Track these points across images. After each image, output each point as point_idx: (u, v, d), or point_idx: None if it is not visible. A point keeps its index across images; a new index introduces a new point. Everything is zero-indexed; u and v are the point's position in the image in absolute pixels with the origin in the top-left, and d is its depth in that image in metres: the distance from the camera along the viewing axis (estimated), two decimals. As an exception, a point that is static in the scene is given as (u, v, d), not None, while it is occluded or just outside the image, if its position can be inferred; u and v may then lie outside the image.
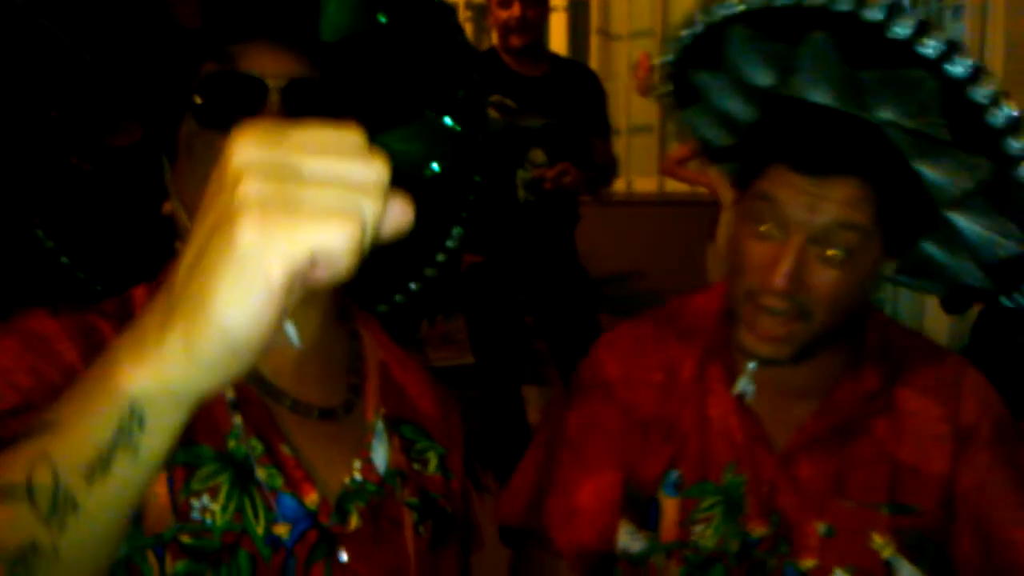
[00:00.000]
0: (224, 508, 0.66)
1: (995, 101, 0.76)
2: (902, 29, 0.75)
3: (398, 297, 0.91)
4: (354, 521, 0.72)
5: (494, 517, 1.12)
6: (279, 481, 0.69)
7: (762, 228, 0.87)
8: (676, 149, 4.06)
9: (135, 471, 0.42)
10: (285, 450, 0.70)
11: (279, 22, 0.72)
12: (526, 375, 2.96)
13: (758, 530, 0.94)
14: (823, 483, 0.94)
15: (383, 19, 0.71)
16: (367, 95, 0.72)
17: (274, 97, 0.70)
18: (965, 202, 0.86)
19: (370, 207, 0.38)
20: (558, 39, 4.64)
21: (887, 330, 1.01)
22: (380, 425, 0.78)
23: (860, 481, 0.94)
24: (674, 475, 0.97)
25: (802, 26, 0.81)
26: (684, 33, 0.92)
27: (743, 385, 0.96)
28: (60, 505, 0.42)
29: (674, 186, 4.32)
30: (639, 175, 4.79)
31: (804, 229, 0.84)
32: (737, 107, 0.96)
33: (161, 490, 0.65)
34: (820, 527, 0.93)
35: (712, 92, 0.97)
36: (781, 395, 0.97)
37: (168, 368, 0.39)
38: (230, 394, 0.70)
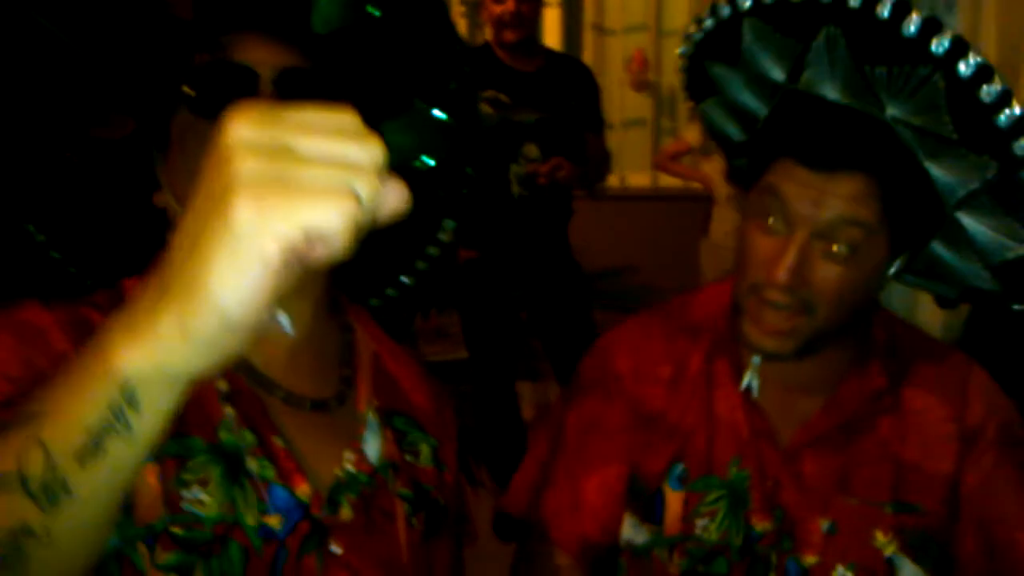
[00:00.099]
0: (215, 499, 0.66)
1: (1002, 101, 0.76)
2: (911, 27, 0.75)
3: (390, 291, 0.91)
4: (346, 512, 0.72)
5: (488, 511, 1.12)
6: (271, 472, 0.69)
7: (768, 222, 0.87)
8: (669, 144, 4.07)
9: (128, 453, 0.42)
10: (277, 441, 0.70)
11: (271, 13, 0.72)
12: (520, 370, 2.96)
13: (761, 525, 0.94)
14: (827, 480, 0.94)
15: (374, 12, 0.71)
16: (359, 87, 0.72)
17: (266, 86, 0.70)
18: (972, 202, 0.86)
19: (366, 187, 0.38)
20: (552, 34, 4.63)
21: (894, 328, 1.01)
22: (372, 417, 0.78)
23: (864, 479, 0.94)
24: (679, 468, 0.97)
25: (814, 21, 0.81)
26: (700, 25, 0.92)
27: (748, 380, 0.96)
28: (52, 488, 0.42)
29: (667, 181, 4.33)
30: (632, 170, 4.80)
31: (808, 224, 0.84)
32: (751, 101, 0.96)
33: (152, 481, 0.65)
34: (823, 524, 0.93)
35: (728, 85, 0.97)
36: (787, 391, 0.97)
37: (162, 348, 0.39)
38: (222, 385, 0.70)
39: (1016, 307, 0.95)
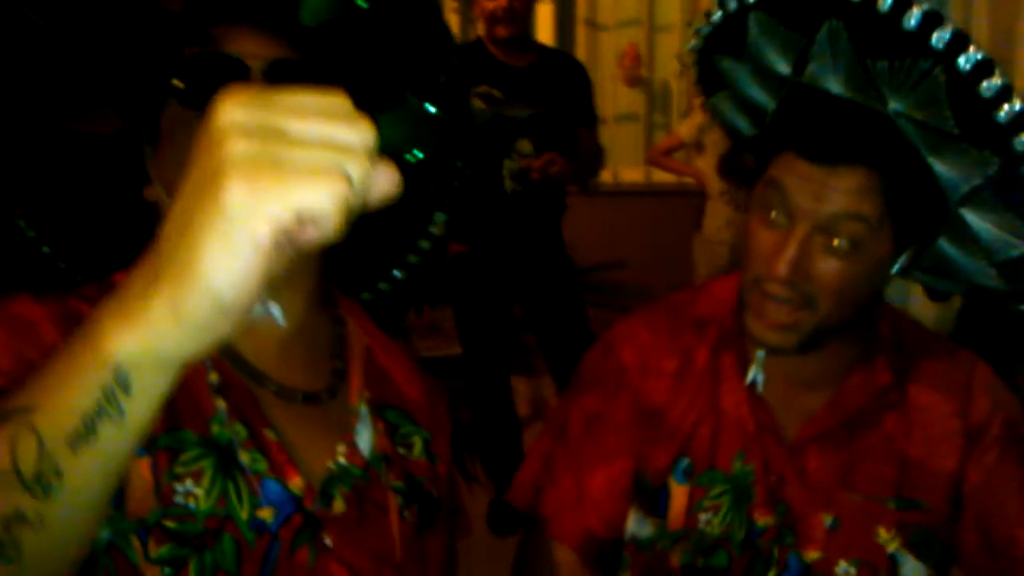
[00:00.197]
0: (208, 492, 0.66)
1: (1002, 96, 0.75)
2: (912, 20, 0.74)
3: (382, 284, 0.91)
4: (339, 505, 0.72)
5: (483, 506, 1.12)
6: (263, 465, 0.69)
7: (770, 215, 0.87)
8: (662, 140, 4.07)
9: (120, 437, 0.42)
10: (269, 435, 0.70)
11: (261, 5, 0.72)
12: (515, 366, 2.96)
13: (764, 520, 0.95)
14: (831, 475, 0.94)
15: (362, 3, 0.71)
16: (348, 79, 0.72)
17: (256, 78, 0.70)
18: (975, 198, 0.85)
19: (357, 169, 0.38)
20: (545, 29, 4.63)
21: (899, 324, 1.00)
22: (364, 409, 0.78)
23: (868, 475, 0.94)
24: (684, 462, 0.97)
25: (817, 14, 0.81)
26: (708, 19, 0.91)
27: (753, 374, 0.96)
28: (45, 474, 0.42)
29: (660, 176, 4.33)
30: (625, 165, 4.80)
31: (810, 217, 0.83)
32: (759, 94, 0.96)
33: (144, 475, 0.65)
34: (826, 519, 0.94)
35: (736, 79, 0.96)
36: (792, 385, 0.97)
37: (154, 331, 0.39)
38: (213, 378, 0.70)
39: (1021, 307, 0.94)
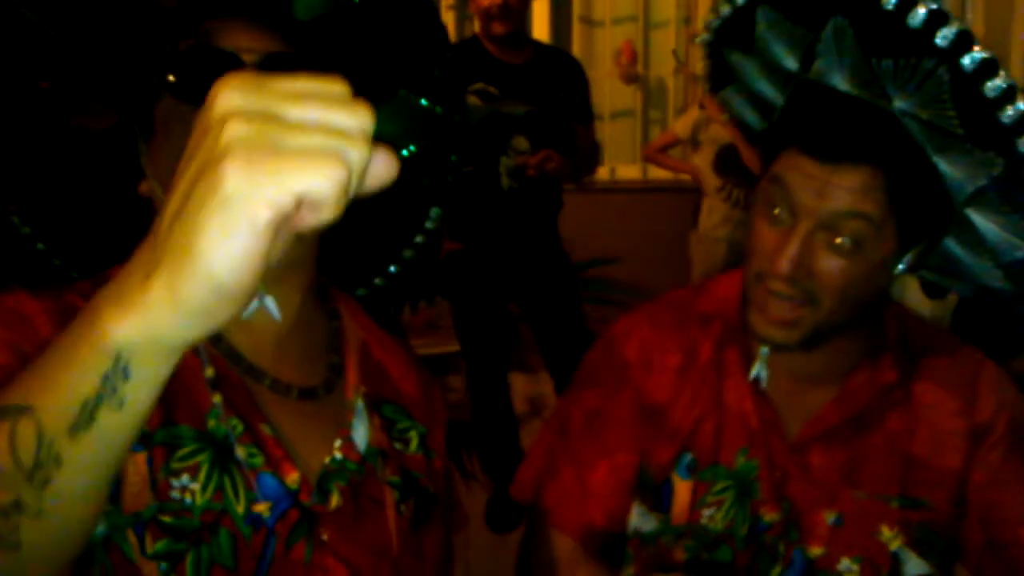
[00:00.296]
0: (204, 487, 0.66)
1: (1007, 97, 0.74)
2: (917, 18, 0.74)
3: (377, 280, 0.91)
4: (335, 500, 0.72)
5: (480, 502, 1.12)
6: (259, 460, 0.69)
7: (774, 212, 0.86)
8: (658, 136, 4.07)
9: (119, 424, 0.42)
10: (265, 429, 0.70)
11: (254, 0, 0.72)
12: (512, 363, 2.96)
13: (769, 516, 0.95)
14: (835, 473, 0.94)
15: (356, -2, 0.71)
16: (342, 73, 0.72)
17: (250, 71, 0.70)
18: (980, 199, 0.85)
19: (356, 153, 0.38)
20: (540, 26, 4.62)
21: (905, 322, 1.00)
22: (360, 404, 0.78)
23: (872, 473, 0.94)
24: (688, 458, 0.97)
25: (823, 11, 0.80)
26: (718, 12, 0.91)
27: (757, 370, 0.96)
28: (44, 461, 0.42)
29: (657, 173, 4.33)
30: (621, 162, 4.80)
31: (812, 215, 0.83)
32: (767, 89, 0.96)
33: (140, 469, 0.65)
34: (829, 516, 0.94)
35: (744, 73, 0.96)
36: (796, 382, 0.97)
37: (153, 316, 0.38)
38: (210, 373, 0.70)
39: None
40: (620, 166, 4.78)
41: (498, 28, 2.62)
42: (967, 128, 0.78)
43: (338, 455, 0.74)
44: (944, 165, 0.83)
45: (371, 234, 0.88)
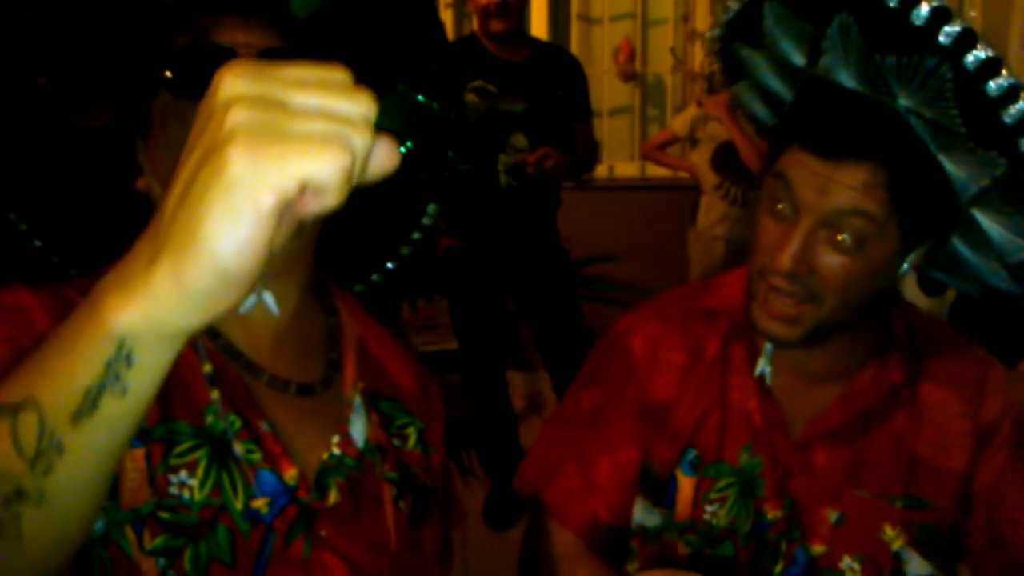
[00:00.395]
0: (202, 483, 0.66)
1: (1009, 96, 0.74)
2: (920, 15, 0.73)
3: (375, 276, 0.91)
4: (333, 496, 0.72)
5: (479, 500, 1.12)
6: (257, 456, 0.69)
7: (777, 208, 0.86)
8: (656, 134, 4.07)
9: (122, 411, 0.42)
10: (263, 426, 0.71)
11: (251, -4, 0.72)
12: (511, 360, 2.97)
13: (772, 513, 0.95)
14: (838, 471, 0.94)
15: (354, -6, 0.71)
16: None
17: None
18: (985, 199, 0.84)
19: (359, 139, 0.38)
20: (539, 24, 4.62)
21: (914, 321, 0.99)
22: (358, 400, 0.78)
23: (876, 472, 0.94)
24: (692, 454, 0.98)
25: (830, 6, 0.80)
26: (727, 6, 0.91)
27: (762, 366, 0.96)
28: (47, 449, 0.41)
29: (655, 171, 4.33)
30: (619, 159, 4.80)
31: (814, 211, 0.83)
32: (776, 84, 0.95)
33: (139, 465, 0.65)
34: (832, 514, 0.94)
35: (754, 67, 0.96)
36: (801, 379, 0.96)
37: (157, 302, 0.38)
38: (208, 369, 0.70)
39: None
40: (618, 164, 4.78)
41: (496, 26, 2.62)
42: (970, 127, 0.78)
43: (336, 451, 0.74)
44: (948, 164, 0.82)
45: (368, 230, 0.88)
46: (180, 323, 0.39)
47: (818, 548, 0.94)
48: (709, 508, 0.96)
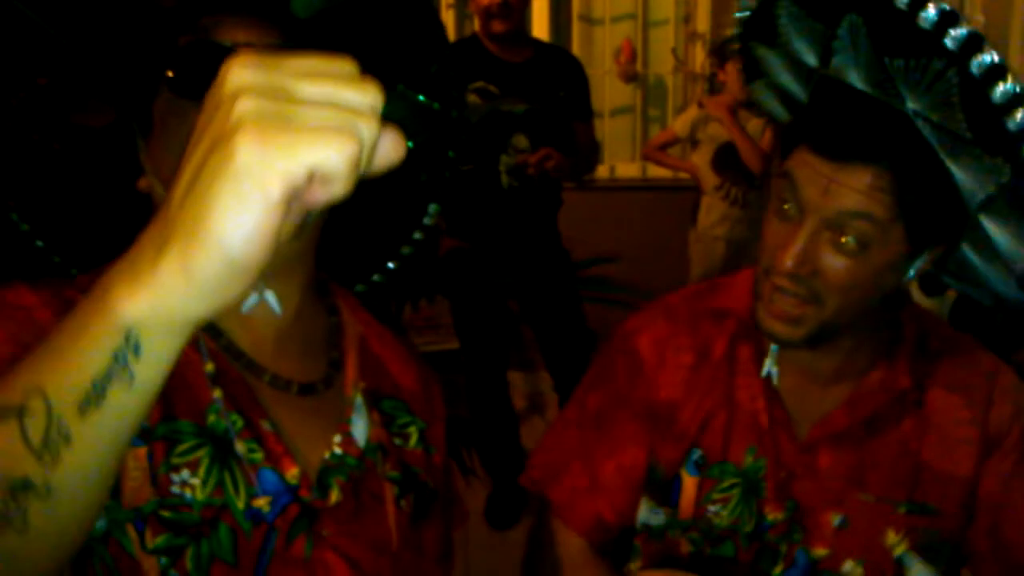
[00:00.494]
0: (204, 482, 0.66)
1: (1014, 103, 0.73)
2: (928, 18, 0.73)
3: (376, 276, 0.91)
4: (335, 495, 0.72)
5: (480, 500, 1.13)
6: (259, 455, 0.69)
7: (784, 207, 0.86)
8: (657, 134, 4.07)
9: (130, 401, 0.41)
10: (265, 425, 0.71)
11: (252, -4, 0.72)
12: (512, 360, 2.97)
13: (773, 515, 0.95)
14: (843, 475, 0.94)
15: (355, -7, 0.71)
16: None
17: None
18: (992, 206, 0.83)
19: (366, 129, 0.38)
20: (540, 24, 4.62)
21: (924, 324, 0.99)
22: (359, 399, 0.78)
23: (881, 477, 0.94)
24: (696, 454, 0.98)
25: (841, 7, 0.80)
26: (743, 5, 0.91)
27: (768, 367, 0.95)
28: (53, 440, 0.41)
29: (656, 171, 4.33)
30: (620, 160, 4.80)
31: (818, 212, 0.82)
32: (791, 83, 0.95)
33: (141, 464, 0.65)
34: (834, 518, 0.94)
35: (769, 66, 0.96)
36: (808, 381, 0.96)
37: (165, 291, 0.38)
38: (210, 368, 0.70)
39: None
40: (619, 164, 4.78)
41: (498, 26, 2.62)
42: (975, 133, 0.77)
43: (337, 450, 0.74)
44: (955, 170, 0.81)
45: (369, 230, 0.88)
46: (188, 313, 0.39)
47: (820, 551, 0.94)
48: (712, 508, 0.96)
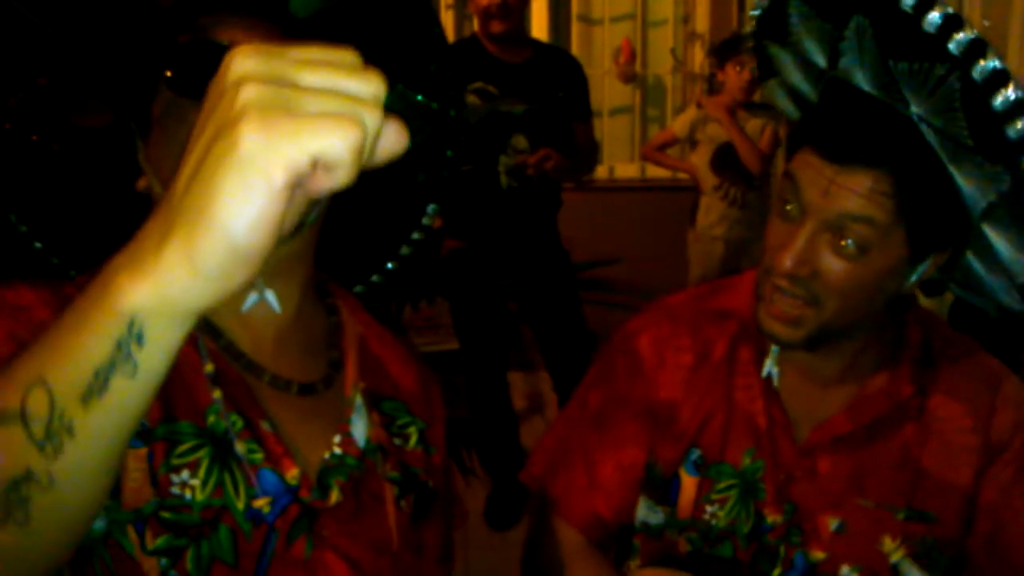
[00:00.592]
0: (204, 483, 0.66)
1: (1015, 111, 0.72)
2: (932, 22, 0.72)
3: (375, 277, 0.91)
4: (335, 496, 0.72)
5: (480, 500, 1.13)
6: (259, 456, 0.69)
7: (786, 208, 0.86)
8: (656, 135, 4.07)
9: (133, 391, 0.41)
10: (265, 425, 0.71)
11: (251, -4, 0.72)
12: (512, 361, 2.97)
13: (773, 517, 0.94)
14: (842, 479, 0.94)
15: (354, -7, 0.71)
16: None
17: None
18: (994, 215, 0.82)
19: (370, 117, 0.38)
20: (539, 25, 4.62)
21: (930, 330, 0.98)
22: (359, 400, 0.78)
23: (880, 482, 0.93)
24: (695, 454, 0.97)
25: (848, 8, 0.79)
26: (759, 3, 0.91)
27: (768, 367, 0.95)
28: (56, 430, 0.41)
29: (655, 172, 4.33)
30: (619, 160, 4.80)
31: (818, 214, 0.82)
32: (801, 83, 0.95)
33: (141, 465, 0.65)
34: (832, 522, 0.93)
35: (781, 65, 0.96)
36: (809, 383, 0.96)
37: (168, 280, 0.38)
38: (209, 369, 0.70)
39: None
40: (618, 164, 4.78)
41: (497, 27, 2.62)
42: (976, 139, 0.76)
43: (337, 451, 0.74)
44: (958, 176, 0.81)
45: (368, 231, 0.88)
46: (191, 301, 0.39)
47: (818, 555, 0.94)
48: (709, 508, 0.96)
